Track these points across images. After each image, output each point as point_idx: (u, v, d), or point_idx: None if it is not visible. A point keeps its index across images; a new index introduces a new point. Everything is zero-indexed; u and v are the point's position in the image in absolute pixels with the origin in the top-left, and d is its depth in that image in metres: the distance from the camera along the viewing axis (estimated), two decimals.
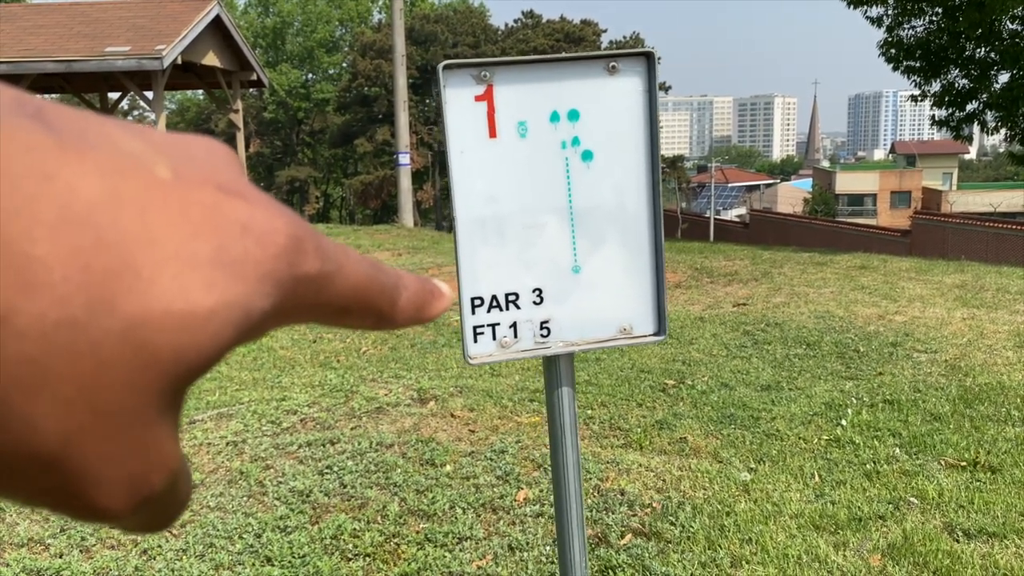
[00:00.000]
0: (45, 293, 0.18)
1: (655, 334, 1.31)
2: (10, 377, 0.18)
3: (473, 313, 1.25)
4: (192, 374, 0.21)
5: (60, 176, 0.19)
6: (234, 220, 0.22)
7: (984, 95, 13.76)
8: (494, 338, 1.26)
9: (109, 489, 0.21)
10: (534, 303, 1.26)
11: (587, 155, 1.23)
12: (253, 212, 0.23)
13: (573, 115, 1.21)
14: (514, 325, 1.26)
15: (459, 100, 1.18)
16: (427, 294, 0.30)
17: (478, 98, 1.17)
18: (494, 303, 1.25)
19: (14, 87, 0.22)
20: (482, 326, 1.25)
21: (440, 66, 1.16)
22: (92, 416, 0.20)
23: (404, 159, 17.69)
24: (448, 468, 3.58)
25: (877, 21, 14.01)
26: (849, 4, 13.59)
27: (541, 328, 1.27)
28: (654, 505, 3.21)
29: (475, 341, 1.25)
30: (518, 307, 1.26)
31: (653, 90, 1.22)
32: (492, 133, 1.19)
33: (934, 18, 13.50)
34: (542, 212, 1.23)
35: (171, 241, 0.20)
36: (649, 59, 1.22)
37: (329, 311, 0.25)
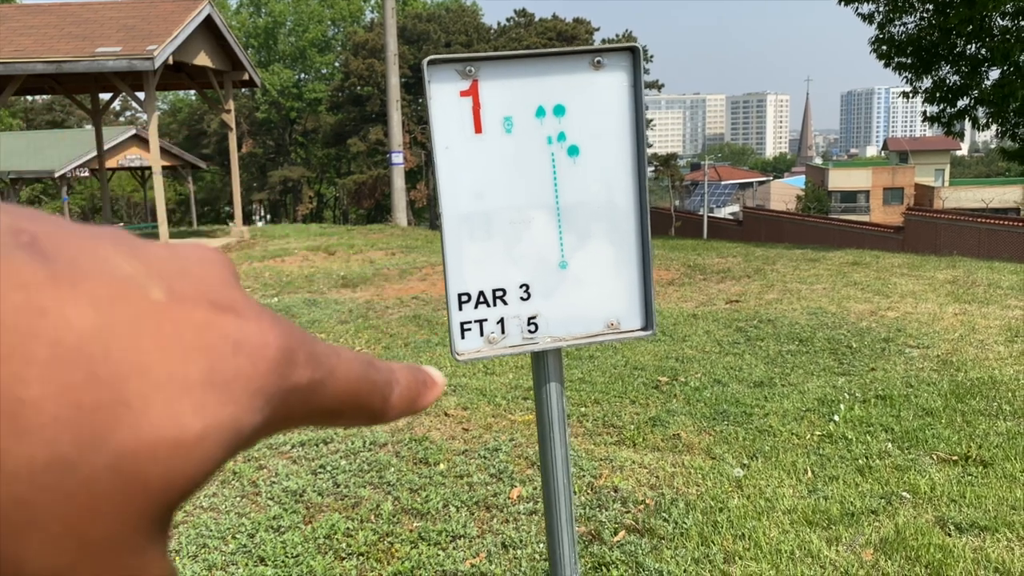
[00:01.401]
0: (35, 435, 0.19)
1: (643, 329, 1.31)
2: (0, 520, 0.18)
3: (460, 309, 1.25)
4: (182, 496, 0.21)
5: (53, 311, 0.19)
6: (226, 338, 0.22)
7: (975, 91, 13.80)
8: (481, 334, 1.26)
9: None
10: (521, 299, 1.26)
11: (573, 150, 1.23)
12: (245, 328, 0.23)
13: (559, 110, 1.21)
14: (501, 321, 1.26)
15: (444, 95, 1.17)
16: (420, 385, 0.30)
17: (463, 93, 1.17)
18: (481, 299, 1.25)
19: (8, 211, 0.21)
20: (469, 322, 1.25)
21: (425, 61, 1.16)
22: (81, 550, 0.19)
23: (397, 158, 17.68)
24: (442, 467, 3.58)
25: (868, 18, 14.04)
26: (840, 1, 13.62)
27: (528, 324, 1.27)
28: (647, 502, 3.21)
29: (462, 337, 1.25)
30: (505, 303, 1.26)
31: (638, 85, 1.22)
32: (478, 128, 1.19)
33: (925, 15, 13.54)
34: (529, 207, 1.23)
35: (162, 366, 0.21)
36: (634, 54, 1.22)
37: (322, 415, 0.26)
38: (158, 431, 0.20)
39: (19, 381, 0.18)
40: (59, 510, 0.19)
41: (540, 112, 1.21)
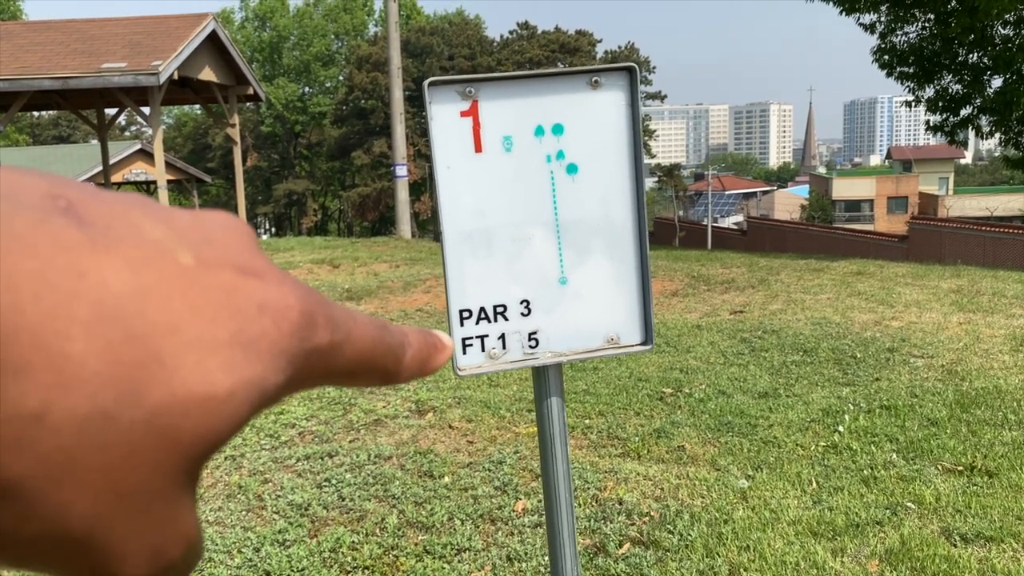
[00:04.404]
0: (78, 388, 0.20)
1: (642, 343, 1.32)
2: (43, 469, 0.20)
3: (462, 325, 1.26)
4: (211, 450, 0.22)
5: (93, 273, 0.21)
6: (251, 301, 0.23)
7: (978, 100, 13.82)
8: (483, 350, 1.28)
9: (132, 563, 0.22)
10: (522, 315, 1.28)
11: (572, 168, 1.25)
12: (268, 291, 0.24)
13: (557, 129, 1.23)
14: (502, 337, 1.28)
15: (445, 116, 1.20)
16: (430, 347, 0.32)
17: (463, 114, 1.19)
18: (482, 315, 1.27)
19: (45, 177, 0.23)
20: (471, 338, 1.27)
21: (426, 83, 1.18)
22: (118, 499, 0.21)
23: (401, 171, 17.73)
24: (446, 479, 3.59)
25: (870, 28, 14.09)
26: (842, 11, 13.66)
27: (529, 339, 1.29)
28: (652, 514, 3.21)
29: (464, 353, 1.27)
30: (506, 319, 1.27)
31: (636, 103, 1.24)
32: (478, 148, 1.21)
33: (926, 24, 13.58)
34: (529, 225, 1.25)
35: (193, 327, 0.22)
36: (631, 73, 1.24)
37: (339, 376, 0.27)
38: (190, 387, 0.21)
39: (64, 338, 0.20)
40: (98, 461, 0.20)
41: (539, 131, 1.23)
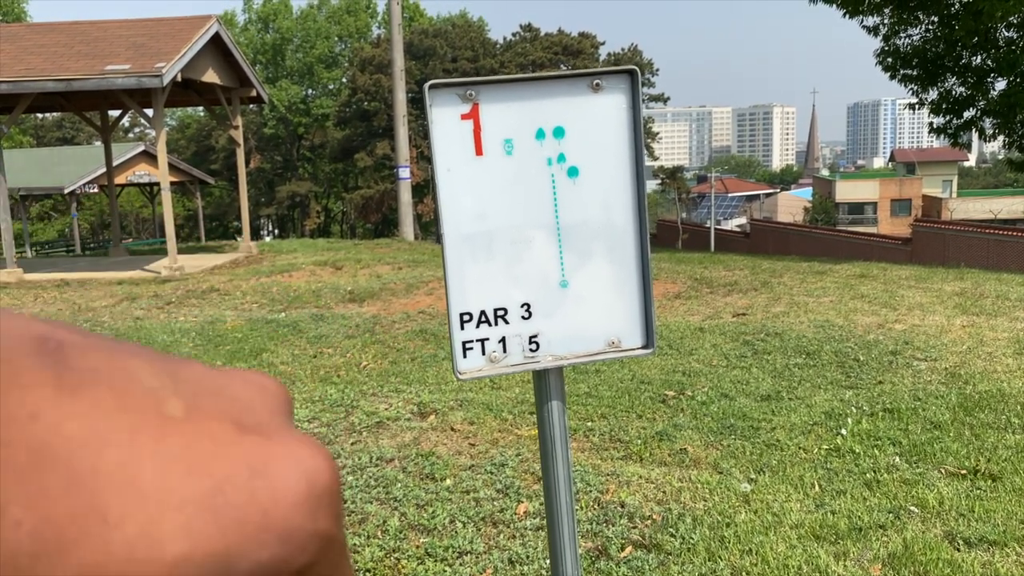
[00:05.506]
0: None
1: (643, 347, 1.32)
2: None
3: (462, 329, 1.26)
4: None
5: (46, 416, 0.19)
6: (242, 460, 0.21)
7: (981, 102, 13.81)
8: (483, 353, 1.27)
9: None
10: (523, 318, 1.27)
11: (573, 171, 1.24)
12: (270, 452, 0.21)
13: (558, 132, 1.23)
14: (503, 340, 1.28)
15: (446, 119, 1.19)
16: None
17: (464, 116, 1.19)
18: (483, 318, 1.26)
19: (53, 325, 0.21)
20: (471, 341, 1.27)
21: (426, 86, 1.18)
22: None
23: (404, 173, 17.74)
24: (448, 482, 3.58)
25: (874, 30, 14.08)
26: (846, 14, 13.65)
27: (530, 343, 1.28)
28: (654, 517, 3.20)
29: (464, 356, 1.27)
30: (507, 322, 1.27)
31: (637, 106, 1.24)
32: (479, 151, 1.21)
33: (930, 27, 13.57)
34: (529, 228, 1.25)
35: (154, 481, 0.20)
36: (632, 76, 1.23)
37: None
38: (130, 548, 0.19)
39: None
40: None
41: (540, 134, 1.22)
